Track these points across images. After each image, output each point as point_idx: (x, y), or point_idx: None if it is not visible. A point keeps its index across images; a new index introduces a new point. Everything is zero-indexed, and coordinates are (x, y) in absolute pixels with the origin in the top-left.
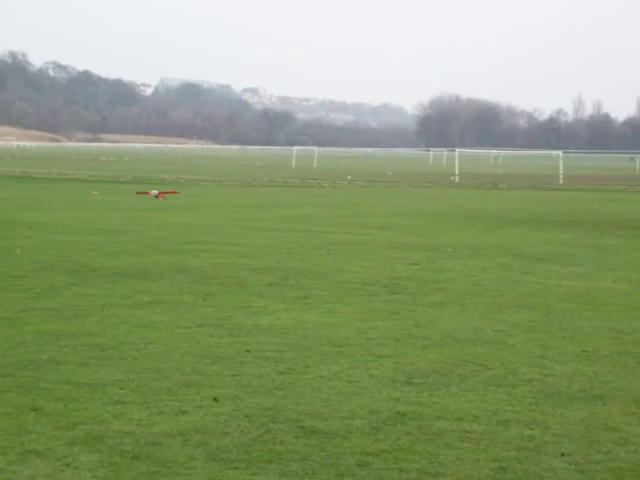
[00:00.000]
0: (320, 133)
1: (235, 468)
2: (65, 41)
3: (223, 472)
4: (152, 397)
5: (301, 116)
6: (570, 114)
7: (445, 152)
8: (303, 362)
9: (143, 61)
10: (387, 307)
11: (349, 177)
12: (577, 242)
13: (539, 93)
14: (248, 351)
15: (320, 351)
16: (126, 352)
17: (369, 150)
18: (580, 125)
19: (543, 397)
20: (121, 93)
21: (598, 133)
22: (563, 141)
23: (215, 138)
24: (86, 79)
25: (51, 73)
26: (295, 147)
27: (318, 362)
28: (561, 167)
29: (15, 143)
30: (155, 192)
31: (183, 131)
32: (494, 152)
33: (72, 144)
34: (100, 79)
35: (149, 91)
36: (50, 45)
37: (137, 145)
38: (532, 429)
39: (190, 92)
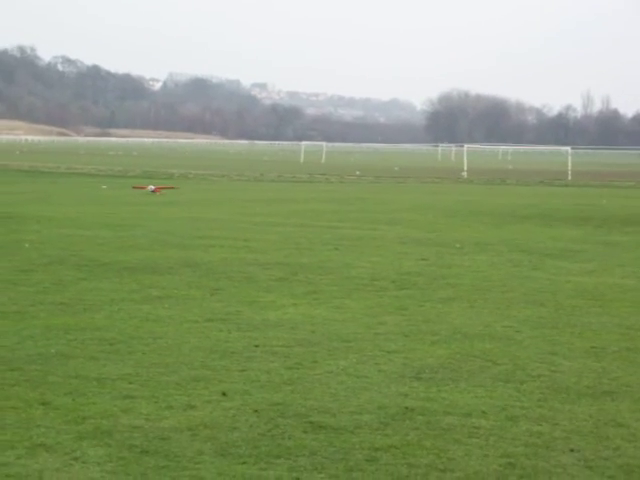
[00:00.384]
0: (329, 128)
1: (244, 463)
2: (74, 35)
3: (232, 467)
4: (161, 392)
5: (310, 111)
6: (579, 110)
7: (454, 148)
8: (311, 357)
9: (152, 56)
10: (396, 302)
11: (358, 172)
12: (586, 238)
13: (548, 89)
14: (257, 346)
15: (328, 346)
16: (135, 346)
17: (377, 145)
18: (589, 121)
19: (552, 393)
20: (130, 88)
21: (607, 129)
22: (572, 137)
23: (224, 133)
24: (95, 74)
25: (60, 67)
26: (304, 142)
27: (327, 357)
28: (570, 163)
29: (24, 137)
30: (152, 187)
31: (192, 126)
32: (503, 148)
33: (81, 139)
34: (109, 74)
35: (158, 86)
36: (59, 39)
37: (146, 140)
38: (541, 425)
39: (199, 87)
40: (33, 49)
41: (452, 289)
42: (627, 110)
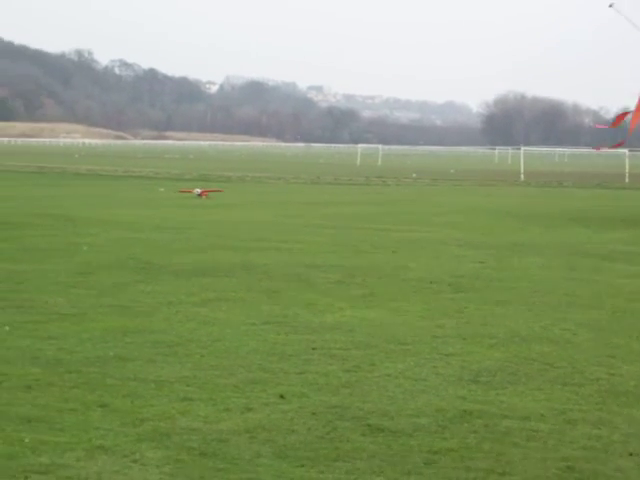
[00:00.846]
0: (384, 131)
1: (302, 466)
2: (131, 39)
3: (290, 470)
4: (218, 394)
5: (365, 114)
6: None
7: (510, 150)
8: (369, 360)
9: (208, 59)
10: (453, 305)
11: (414, 175)
12: None
13: (605, 91)
14: (314, 349)
15: (386, 349)
16: (192, 349)
17: (434, 148)
18: None
19: (610, 396)
20: (186, 91)
21: None
22: (629, 139)
23: (280, 136)
24: (152, 77)
25: (117, 71)
26: (360, 145)
27: (384, 360)
28: (627, 165)
29: (81, 141)
30: (198, 190)
31: (248, 129)
32: (559, 150)
33: (137, 142)
34: (166, 77)
35: (214, 89)
36: (116, 43)
37: (202, 143)
38: (599, 429)
39: (255, 90)
40: (90, 53)
41: (509, 292)
42: None
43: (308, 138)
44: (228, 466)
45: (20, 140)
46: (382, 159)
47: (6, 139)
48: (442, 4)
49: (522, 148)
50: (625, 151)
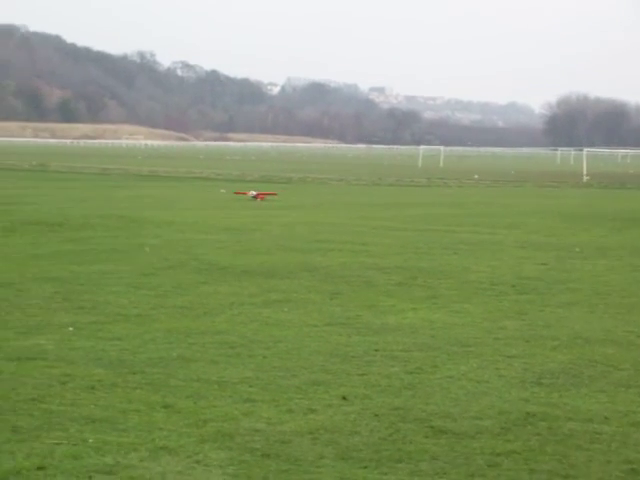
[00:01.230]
0: (446, 132)
1: (365, 467)
2: (193, 41)
3: (353, 471)
4: (281, 395)
5: (427, 115)
6: None
7: (572, 151)
8: (431, 362)
9: (270, 61)
10: (515, 307)
11: (476, 176)
12: None
13: None
14: (376, 350)
15: (448, 351)
16: (255, 350)
17: (495, 149)
18: None
19: None
20: (248, 92)
21: None
22: None
23: (341, 137)
24: (214, 79)
25: (179, 72)
26: (421, 146)
27: (446, 362)
28: None
29: (143, 142)
30: (253, 193)
31: (310, 130)
32: (622, 151)
33: (199, 143)
34: (227, 78)
35: (276, 90)
36: (178, 45)
37: (264, 144)
38: None
39: (317, 91)
40: (152, 54)
41: (572, 294)
42: None
43: (369, 139)
44: (291, 467)
45: (82, 142)
46: (444, 160)
47: (69, 141)
48: (505, 8)
49: (585, 149)
50: None
